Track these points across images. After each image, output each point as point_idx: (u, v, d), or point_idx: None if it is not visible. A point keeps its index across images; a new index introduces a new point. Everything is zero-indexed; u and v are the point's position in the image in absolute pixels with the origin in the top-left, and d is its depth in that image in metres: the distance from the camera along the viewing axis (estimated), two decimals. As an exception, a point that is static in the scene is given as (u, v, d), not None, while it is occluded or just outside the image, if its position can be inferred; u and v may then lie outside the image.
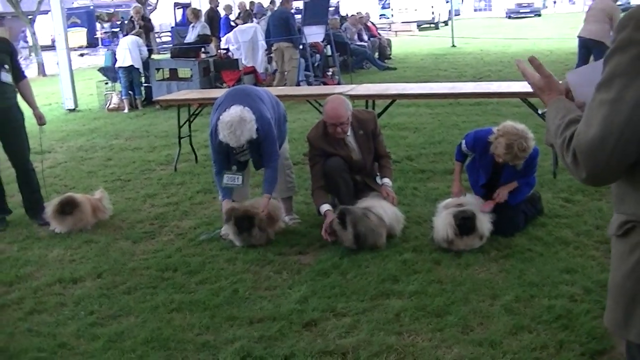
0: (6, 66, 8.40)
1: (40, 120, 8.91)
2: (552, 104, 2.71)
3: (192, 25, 19.90)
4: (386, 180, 7.80)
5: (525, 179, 7.43)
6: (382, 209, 7.26)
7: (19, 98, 8.75)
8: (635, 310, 2.50)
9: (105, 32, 48.28)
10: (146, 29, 20.39)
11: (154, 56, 21.22)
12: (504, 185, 7.35)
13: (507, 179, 7.34)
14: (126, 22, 23.42)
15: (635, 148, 2.36)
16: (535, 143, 7.16)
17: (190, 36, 19.58)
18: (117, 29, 41.71)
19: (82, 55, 42.23)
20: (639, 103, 2.32)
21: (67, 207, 8.22)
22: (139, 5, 20.93)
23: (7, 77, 8.40)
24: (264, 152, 7.58)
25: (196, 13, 20.39)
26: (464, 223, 6.84)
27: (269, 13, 23.30)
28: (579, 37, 16.07)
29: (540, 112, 9.20)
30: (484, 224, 6.91)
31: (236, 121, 7.15)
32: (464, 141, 7.65)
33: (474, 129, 7.82)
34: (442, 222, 7.00)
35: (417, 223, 7.81)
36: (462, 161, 7.82)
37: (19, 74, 8.71)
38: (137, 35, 18.74)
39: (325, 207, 7.45)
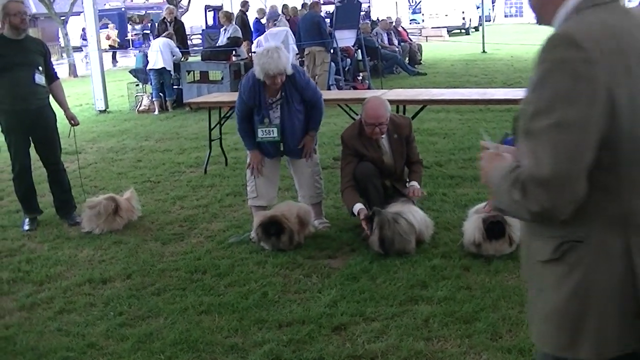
0: (40, 68, 8.45)
1: (73, 121, 8.96)
2: (494, 169, 2.64)
3: (224, 28, 19.94)
4: (413, 183, 7.77)
5: None
6: (412, 215, 7.25)
7: (51, 99, 8.80)
8: (583, 329, 2.53)
9: (136, 34, 48.48)
10: (179, 30, 20.37)
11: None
12: None
13: None
14: (157, 24, 23.45)
15: (582, 173, 2.37)
16: None
17: (222, 39, 19.63)
18: (148, 31, 41.93)
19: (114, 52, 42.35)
20: (584, 125, 2.33)
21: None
22: (172, 6, 20.91)
23: (41, 79, 8.44)
24: (308, 99, 7.83)
25: (228, 16, 20.41)
26: (493, 227, 6.81)
27: (282, 18, 23.19)
28: None
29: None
30: (515, 228, 6.88)
31: (272, 48, 7.52)
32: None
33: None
34: (471, 226, 6.99)
35: (446, 229, 7.79)
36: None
37: (51, 75, 8.76)
38: (169, 37, 18.80)
39: (359, 206, 7.41)
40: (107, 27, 44.10)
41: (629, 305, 2.48)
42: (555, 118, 2.34)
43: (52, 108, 8.74)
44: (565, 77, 2.35)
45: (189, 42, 21.16)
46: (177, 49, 18.68)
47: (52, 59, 9.07)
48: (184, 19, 24.48)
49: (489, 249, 6.83)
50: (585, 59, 2.34)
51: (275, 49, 7.51)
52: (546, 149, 2.33)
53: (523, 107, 2.48)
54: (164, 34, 19.15)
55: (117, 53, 42.03)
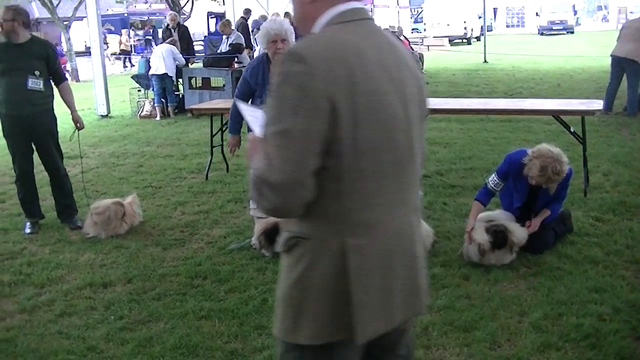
0: (36, 72, 8.42)
1: (79, 124, 8.98)
2: (252, 159, 2.82)
3: (225, 36, 19.97)
4: None
5: (557, 201, 7.41)
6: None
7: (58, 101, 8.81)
8: (302, 315, 2.77)
9: (138, 40, 48.57)
10: (184, 35, 20.38)
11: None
12: (539, 210, 7.35)
13: (543, 201, 7.33)
14: (159, 29, 23.47)
15: (308, 177, 2.59)
16: (569, 150, 7.14)
17: (224, 46, 19.67)
18: (150, 37, 42.02)
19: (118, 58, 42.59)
20: (307, 134, 2.53)
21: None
22: (174, 13, 20.93)
23: (36, 84, 8.40)
24: None
25: (228, 24, 20.48)
26: (496, 236, 6.85)
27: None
28: (612, 55, 15.91)
29: (572, 130, 9.21)
30: (518, 233, 6.91)
31: (279, 19, 7.77)
32: (494, 175, 7.44)
33: (506, 154, 7.67)
34: (475, 234, 7.03)
35: (446, 238, 7.82)
36: (482, 202, 7.47)
37: (59, 77, 8.78)
38: (172, 44, 18.84)
39: None
40: (113, 33, 44.56)
41: (342, 298, 2.71)
42: (282, 126, 2.54)
43: (51, 113, 8.71)
44: (291, 89, 2.54)
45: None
46: (180, 55, 18.69)
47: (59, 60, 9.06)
48: (186, 25, 24.44)
49: (491, 259, 6.86)
50: (308, 72, 2.53)
51: (280, 18, 7.74)
52: (276, 155, 2.54)
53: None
54: (167, 41, 19.19)
55: (129, 57, 42.44)
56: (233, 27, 21.04)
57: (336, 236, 2.70)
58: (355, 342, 2.75)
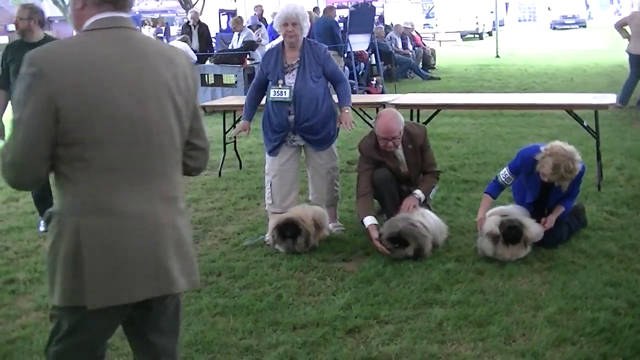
0: None
1: None
2: None
3: (237, 33, 19.97)
4: (416, 191, 7.70)
5: (570, 197, 7.38)
6: (425, 219, 7.28)
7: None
8: (55, 280, 3.24)
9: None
10: (203, 34, 20.32)
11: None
12: (552, 207, 7.33)
13: (555, 198, 7.31)
14: (171, 27, 23.42)
15: (38, 160, 3.10)
16: (582, 144, 7.13)
17: (235, 44, 19.67)
18: (162, 34, 42.09)
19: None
20: (33, 124, 3.03)
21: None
22: (196, 10, 20.85)
23: None
24: (330, 72, 7.84)
25: (239, 21, 20.46)
26: (510, 232, 6.84)
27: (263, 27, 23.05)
28: (630, 53, 15.85)
29: (585, 124, 9.18)
30: (533, 228, 6.90)
31: (293, 3, 7.77)
32: (506, 169, 7.47)
33: (519, 150, 7.66)
34: (489, 223, 7.06)
35: (460, 233, 7.81)
36: (492, 195, 7.54)
37: None
38: (184, 41, 18.86)
39: (369, 221, 7.41)
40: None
41: (78, 269, 3.16)
42: (17, 115, 3.08)
43: None
44: (24, 86, 3.07)
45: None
46: (192, 52, 18.70)
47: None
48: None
49: (505, 254, 6.85)
50: (38, 74, 3.03)
51: (295, 3, 7.76)
52: (12, 138, 3.08)
53: None
54: (179, 38, 19.19)
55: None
56: (244, 24, 20.98)
57: (74, 215, 3.15)
58: (88, 307, 3.17)
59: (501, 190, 7.57)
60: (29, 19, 8.34)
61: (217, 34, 31.45)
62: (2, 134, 8.76)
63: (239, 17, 22.31)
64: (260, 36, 20.54)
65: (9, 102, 8.58)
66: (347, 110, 7.91)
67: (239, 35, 19.78)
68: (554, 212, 7.27)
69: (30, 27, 8.37)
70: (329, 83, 7.95)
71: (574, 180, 7.14)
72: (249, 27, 21.38)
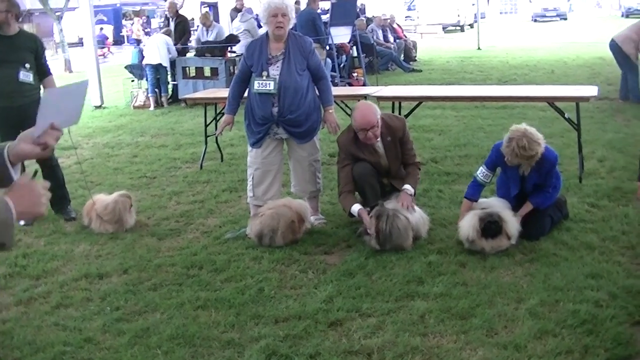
0: (27, 65, 8.47)
1: None
2: None
3: (206, 28, 19.79)
4: (406, 186, 7.67)
5: (543, 191, 7.38)
6: (408, 211, 7.27)
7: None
8: None
9: (130, 30, 48.60)
10: (180, 25, 20.12)
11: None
12: (531, 195, 7.37)
13: (531, 185, 7.33)
14: (152, 19, 23.29)
15: None
16: (555, 149, 7.17)
17: (206, 38, 19.52)
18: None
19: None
20: None
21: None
22: (173, 1, 20.68)
23: (27, 76, 8.45)
24: (313, 67, 7.84)
25: (208, 17, 20.32)
26: (489, 226, 6.84)
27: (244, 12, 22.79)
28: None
29: (567, 116, 9.20)
30: (512, 225, 6.90)
31: None
32: (482, 166, 7.55)
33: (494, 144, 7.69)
34: (467, 224, 7.04)
35: (442, 225, 7.81)
36: (472, 199, 7.57)
37: (43, 71, 8.76)
38: (167, 34, 18.81)
39: (357, 207, 7.47)
40: (106, 23, 45.59)
41: None
42: None
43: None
44: None
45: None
46: (174, 47, 18.65)
47: (46, 55, 9.04)
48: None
49: (486, 247, 6.86)
50: None
51: None
52: None
53: None
54: (162, 31, 19.12)
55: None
56: (212, 20, 20.83)
57: None
58: None
59: (481, 190, 7.60)
60: (6, 11, 8.32)
61: (198, 26, 31.43)
62: None
63: (206, 12, 22.23)
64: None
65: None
66: (331, 111, 7.95)
67: (207, 30, 19.66)
68: (523, 208, 7.30)
69: (8, 20, 8.37)
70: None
71: (546, 171, 7.18)
72: (256, 18, 21.25)
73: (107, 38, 43.29)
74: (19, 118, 8.42)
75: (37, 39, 8.90)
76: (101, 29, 47.04)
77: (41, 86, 8.72)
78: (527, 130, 7.00)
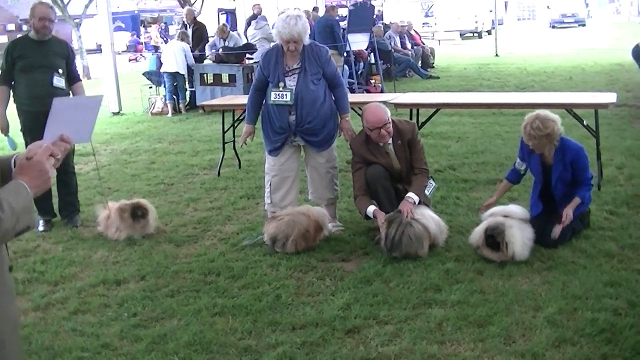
0: (60, 70, 8.58)
1: None
2: None
3: (223, 39, 19.83)
4: (409, 194, 7.53)
5: (582, 186, 7.36)
6: (426, 219, 7.25)
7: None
8: None
9: (149, 36, 48.86)
10: (197, 32, 20.17)
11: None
12: (559, 194, 7.39)
13: (556, 177, 7.34)
14: (170, 26, 23.35)
15: None
16: (582, 143, 7.31)
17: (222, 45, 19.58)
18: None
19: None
20: None
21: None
22: (190, 8, 20.68)
23: (60, 82, 8.55)
24: (329, 76, 7.89)
25: (224, 30, 20.37)
26: (488, 239, 6.86)
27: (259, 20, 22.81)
28: None
29: (585, 123, 9.16)
30: (515, 243, 6.82)
31: (292, 15, 7.61)
32: (517, 158, 7.77)
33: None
34: (478, 229, 7.13)
35: (459, 233, 7.78)
36: (509, 180, 7.87)
37: (73, 77, 8.86)
38: (182, 39, 18.85)
39: (373, 208, 7.47)
40: (123, 30, 46.47)
41: None
42: None
43: None
44: None
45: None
46: (191, 54, 18.67)
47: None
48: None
49: (489, 256, 6.91)
50: None
51: (295, 16, 7.58)
52: None
53: None
54: (177, 36, 19.17)
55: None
56: (229, 31, 20.84)
57: None
58: None
59: (518, 175, 7.84)
60: (52, 21, 8.52)
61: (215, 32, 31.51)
62: (6, 130, 8.80)
63: (223, 24, 22.24)
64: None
65: (11, 98, 8.65)
66: (347, 119, 8.01)
67: (224, 41, 19.69)
68: (570, 205, 7.27)
69: (50, 29, 8.58)
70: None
71: (570, 160, 7.27)
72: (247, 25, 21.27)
73: (140, 43, 44.71)
74: None
75: (68, 45, 9.01)
76: (133, 34, 48.34)
77: (70, 92, 8.79)
78: (539, 113, 7.16)
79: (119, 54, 35.33)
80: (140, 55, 44.93)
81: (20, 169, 2.87)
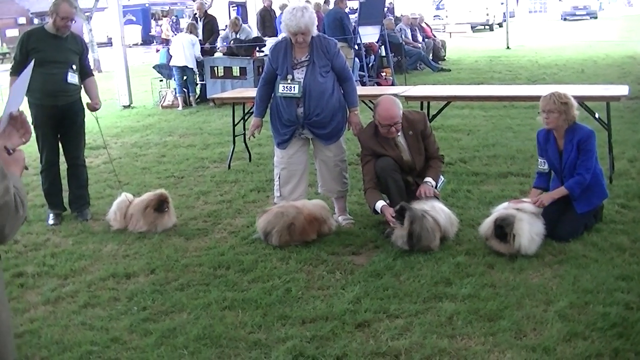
0: (74, 67, 8.60)
1: (95, 106, 8.91)
2: None
3: (235, 32, 19.81)
4: (427, 179, 7.66)
5: (577, 175, 7.30)
6: (436, 212, 7.23)
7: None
8: None
9: (160, 30, 48.96)
10: (208, 25, 20.15)
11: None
12: (567, 175, 7.38)
13: (567, 159, 7.32)
14: (181, 19, 23.33)
15: None
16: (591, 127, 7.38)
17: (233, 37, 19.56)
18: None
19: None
20: None
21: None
22: (201, 1, 20.65)
23: (74, 78, 8.58)
24: (338, 69, 7.87)
25: (237, 23, 20.37)
26: (497, 229, 6.83)
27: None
28: None
29: (597, 116, 9.11)
30: (523, 236, 6.78)
31: (299, 7, 7.61)
32: (539, 158, 7.75)
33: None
34: (487, 220, 7.11)
35: (470, 226, 7.75)
36: (540, 186, 7.66)
37: (85, 72, 8.87)
38: (191, 31, 18.82)
39: (381, 203, 7.45)
40: (134, 23, 46.58)
41: None
42: None
43: (82, 103, 8.79)
44: None
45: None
46: (199, 47, 18.64)
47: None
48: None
49: (497, 247, 6.89)
50: None
51: (301, 8, 7.59)
52: None
53: None
54: (186, 30, 19.16)
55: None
56: (241, 24, 20.82)
57: None
58: None
59: (544, 178, 7.71)
60: (73, 20, 8.53)
61: (226, 26, 31.49)
62: None
63: (235, 17, 22.22)
64: None
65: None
66: (356, 112, 8.01)
67: (236, 34, 19.68)
68: (552, 193, 7.39)
69: (69, 26, 8.59)
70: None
71: (578, 142, 7.26)
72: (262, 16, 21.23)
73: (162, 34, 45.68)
74: (60, 117, 8.56)
75: (82, 41, 9.03)
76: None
77: (82, 86, 8.80)
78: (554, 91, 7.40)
79: (130, 47, 35.34)
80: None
81: (5, 162, 2.97)
